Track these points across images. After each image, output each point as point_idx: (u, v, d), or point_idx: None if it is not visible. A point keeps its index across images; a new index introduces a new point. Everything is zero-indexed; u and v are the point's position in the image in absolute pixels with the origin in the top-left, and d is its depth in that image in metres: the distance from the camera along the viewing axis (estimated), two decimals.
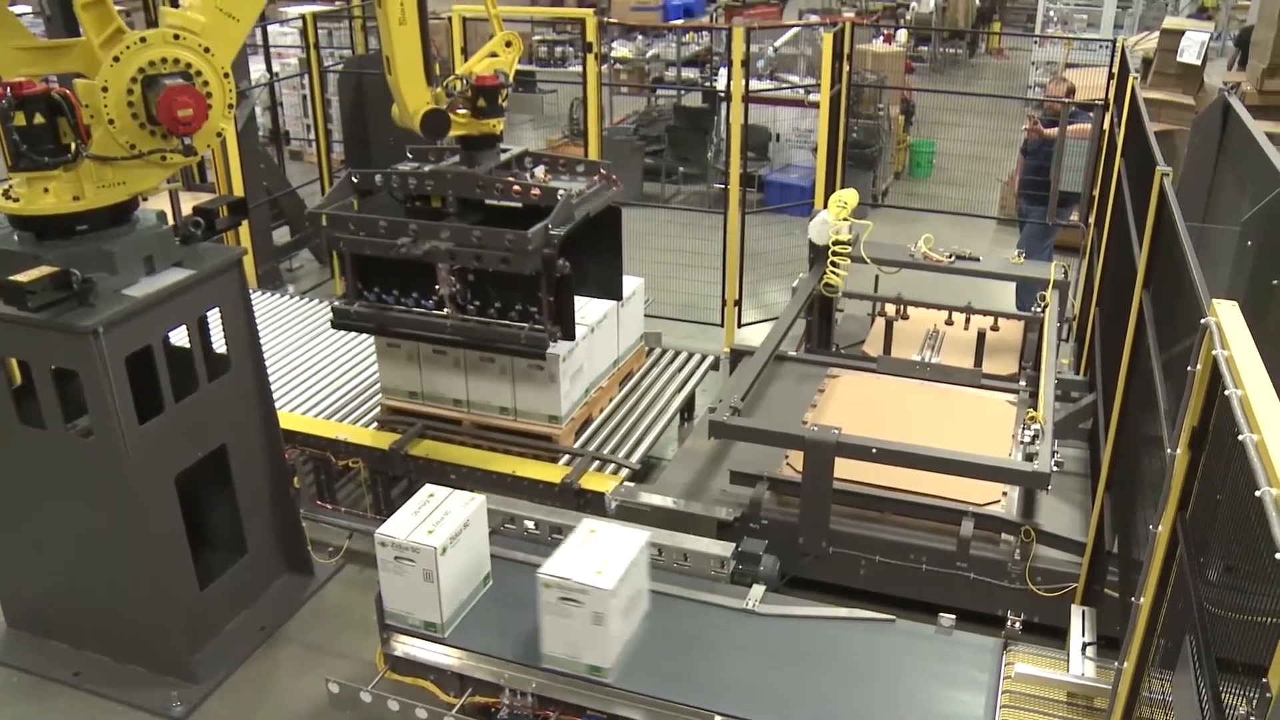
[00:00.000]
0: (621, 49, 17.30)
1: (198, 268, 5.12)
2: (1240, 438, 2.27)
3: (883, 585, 5.54)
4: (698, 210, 11.83)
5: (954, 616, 4.69)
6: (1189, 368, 2.83)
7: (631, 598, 4.51)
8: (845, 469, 5.45)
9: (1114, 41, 8.54)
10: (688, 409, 7.25)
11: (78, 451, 4.93)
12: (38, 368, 4.78)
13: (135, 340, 4.79)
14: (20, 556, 5.45)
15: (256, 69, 10.92)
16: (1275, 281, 4.56)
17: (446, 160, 5.86)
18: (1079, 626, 4.60)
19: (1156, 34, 10.09)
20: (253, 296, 5.70)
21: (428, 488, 4.85)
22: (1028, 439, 5.52)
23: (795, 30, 15.38)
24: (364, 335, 7.52)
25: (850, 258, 7.24)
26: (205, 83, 4.76)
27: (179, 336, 5.18)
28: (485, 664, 4.54)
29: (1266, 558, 2.00)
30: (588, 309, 6.55)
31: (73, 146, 4.65)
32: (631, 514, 5.62)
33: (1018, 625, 4.56)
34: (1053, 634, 5.05)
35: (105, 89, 4.58)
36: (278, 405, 6.04)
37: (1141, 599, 3.16)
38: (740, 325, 9.05)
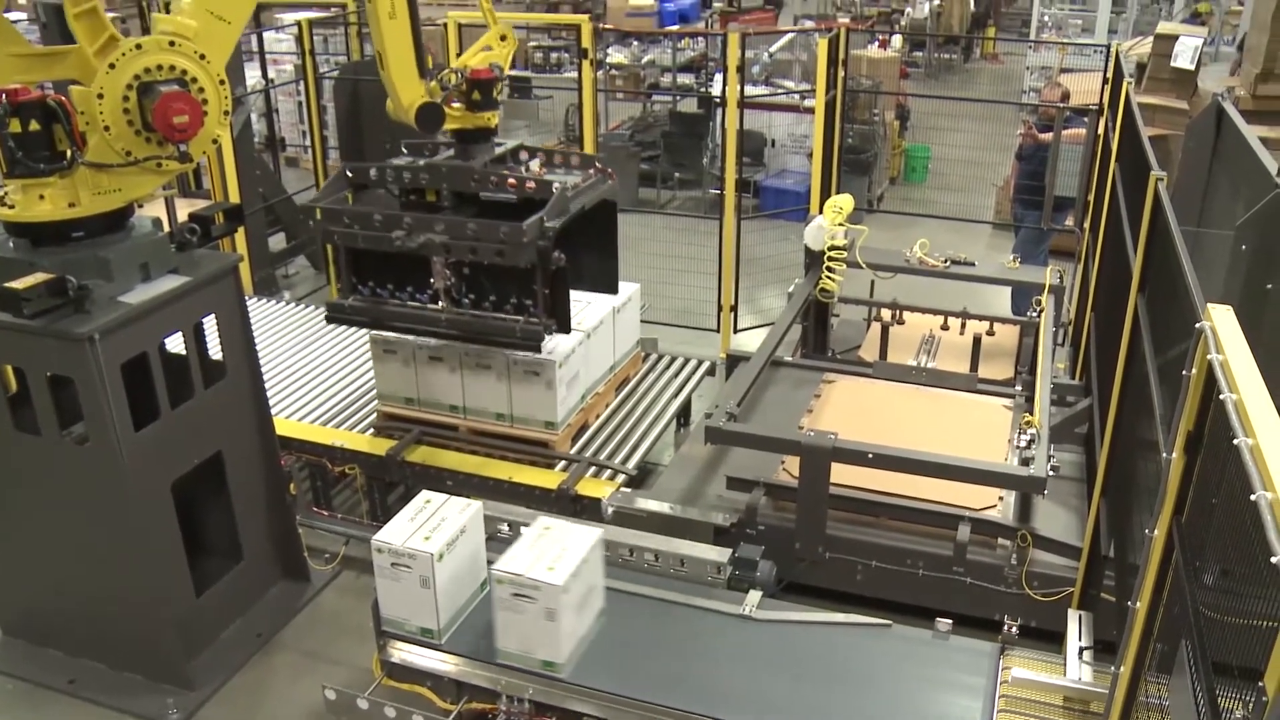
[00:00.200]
0: (617, 55, 17.31)
1: (193, 274, 5.12)
2: (1235, 442, 2.28)
3: (879, 590, 5.54)
4: (693, 216, 11.84)
5: (951, 621, 4.70)
6: (1184, 372, 2.84)
7: (584, 594, 4.54)
8: (841, 474, 5.45)
9: (1108, 46, 8.56)
10: (684, 414, 7.25)
11: (73, 458, 4.92)
12: (33, 374, 4.78)
13: (131, 347, 4.79)
14: (15, 564, 5.44)
15: (252, 75, 10.93)
16: (1270, 286, 4.57)
17: (441, 155, 5.85)
18: (1075, 631, 4.60)
19: (1150, 39, 10.10)
20: (249, 303, 5.70)
21: (424, 494, 4.85)
22: (1024, 444, 5.53)
23: (790, 36, 15.41)
24: (360, 341, 7.54)
25: (846, 263, 7.25)
26: (201, 89, 4.76)
27: (175, 343, 5.17)
28: (482, 670, 4.54)
29: (1262, 562, 2.00)
30: (584, 315, 6.56)
31: (68, 153, 4.65)
32: (628, 520, 5.62)
33: (1014, 630, 4.57)
34: (1049, 638, 5.06)
35: (101, 96, 4.57)
36: (274, 411, 6.03)
37: (1138, 603, 3.16)
38: (736, 331, 9.06)
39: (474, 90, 5.59)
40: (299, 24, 10.09)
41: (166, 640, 5.26)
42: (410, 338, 6.31)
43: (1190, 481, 2.91)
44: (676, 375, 7.35)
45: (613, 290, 6.31)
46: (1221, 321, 2.76)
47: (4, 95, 4.47)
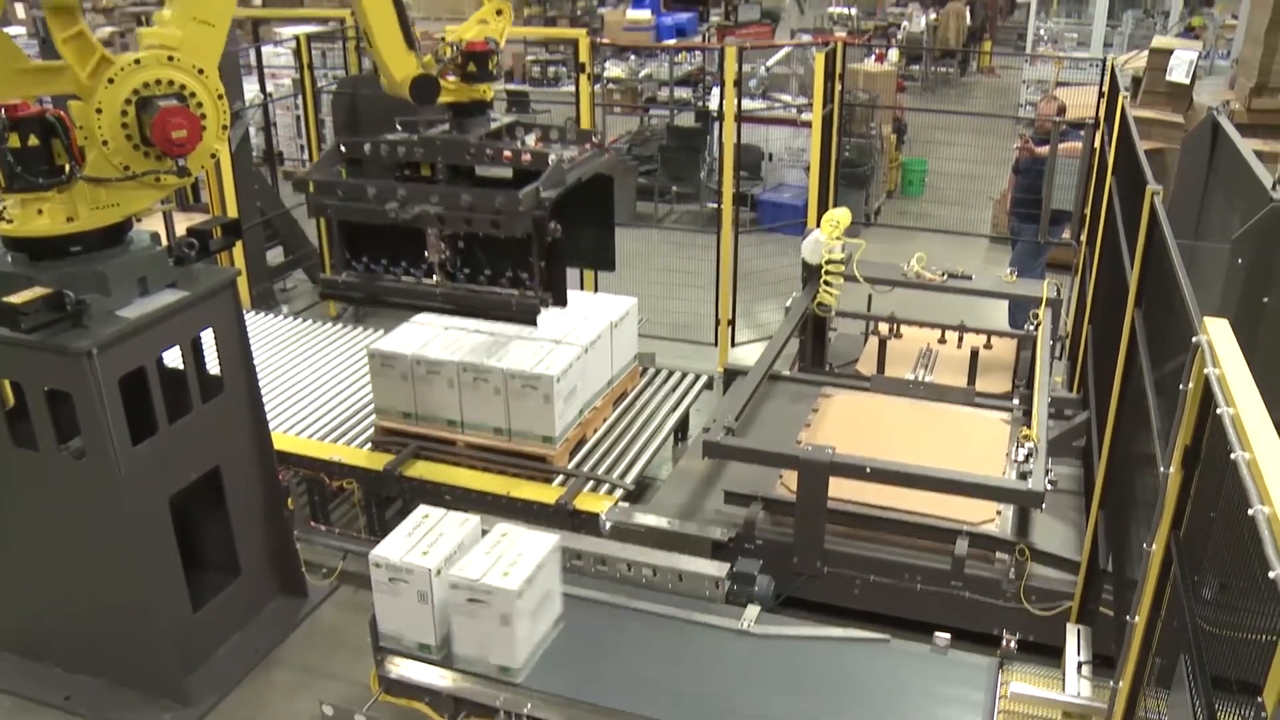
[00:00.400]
0: (614, 69, 17.36)
1: (191, 289, 5.12)
2: (1233, 457, 2.28)
3: (877, 605, 5.53)
4: (691, 230, 11.86)
5: (949, 636, 4.69)
6: (1181, 386, 2.84)
7: (540, 600, 4.55)
8: (839, 488, 5.45)
9: (1104, 60, 8.59)
10: (682, 429, 7.25)
11: (70, 473, 4.92)
12: (31, 389, 4.78)
13: (129, 361, 4.79)
14: (12, 578, 5.43)
15: (250, 89, 10.95)
16: (1266, 299, 4.58)
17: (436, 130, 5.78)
18: (1074, 645, 4.61)
19: (1145, 53, 10.14)
20: (246, 317, 5.69)
21: (422, 509, 4.85)
22: (1021, 457, 5.53)
23: (787, 50, 15.44)
24: (358, 355, 7.53)
25: (843, 277, 7.26)
26: (199, 104, 4.77)
27: (173, 357, 5.17)
28: (480, 685, 4.53)
29: (1260, 576, 2.00)
30: (581, 329, 6.56)
31: (67, 168, 4.65)
32: (626, 534, 5.62)
33: (1013, 644, 4.57)
34: (1048, 653, 5.05)
35: (99, 110, 4.58)
36: (272, 426, 6.03)
37: (1136, 618, 3.16)
38: (734, 345, 9.06)
39: (469, 63, 5.49)
40: (297, 39, 10.11)
41: (163, 655, 5.25)
42: (408, 352, 6.31)
43: (1188, 496, 2.91)
44: (674, 389, 7.34)
45: (610, 267, 6.16)
46: (1218, 335, 2.76)
47: (3, 110, 4.49)
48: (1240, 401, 2.44)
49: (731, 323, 8.99)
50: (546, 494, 6.04)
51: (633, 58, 17.78)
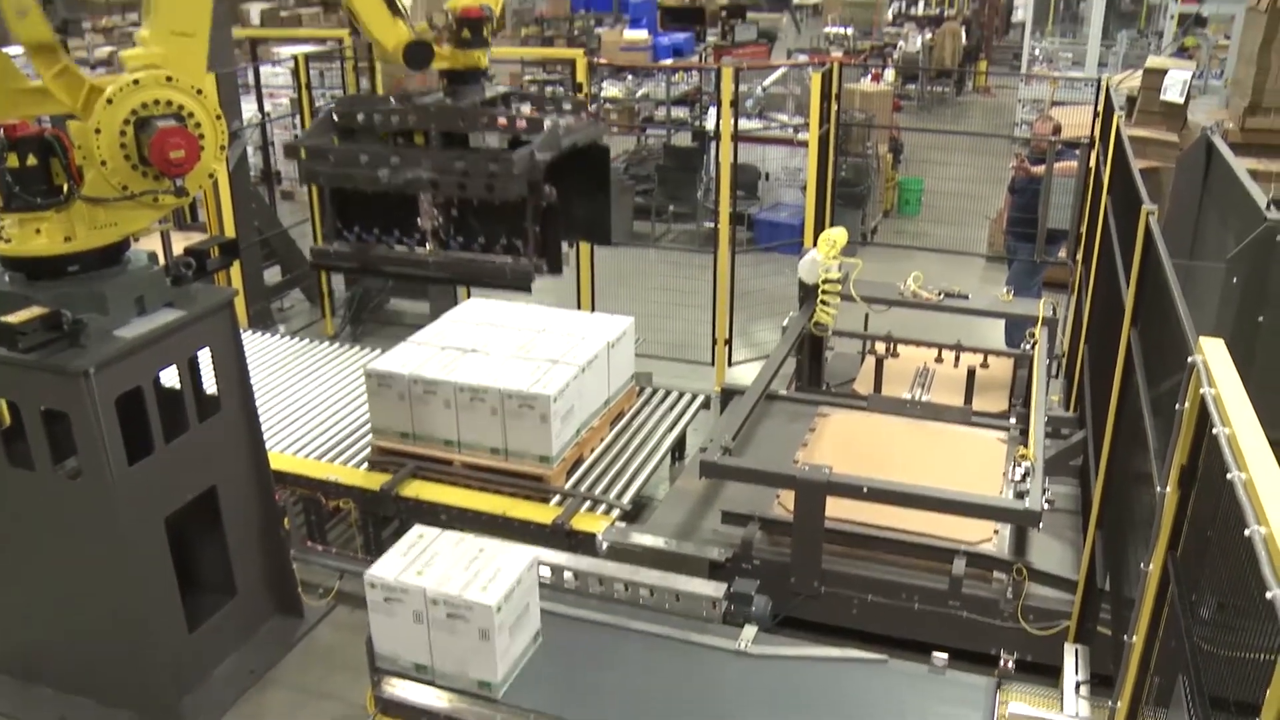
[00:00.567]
0: (611, 89, 17.42)
1: (189, 308, 5.12)
2: (1229, 477, 2.28)
3: (875, 625, 5.52)
4: (688, 249, 11.88)
5: (947, 656, 4.68)
6: (1177, 406, 2.85)
7: (519, 614, 4.55)
8: (837, 508, 5.44)
9: (1099, 80, 8.63)
10: (679, 449, 7.25)
11: (66, 493, 4.91)
12: (27, 409, 4.77)
13: (126, 381, 4.78)
14: (6, 598, 5.40)
15: (249, 109, 10.98)
16: (1261, 318, 4.60)
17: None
18: (1072, 665, 4.59)
19: (1140, 73, 10.18)
20: (243, 336, 5.69)
21: (418, 528, 4.84)
22: (1018, 476, 5.53)
23: (783, 70, 15.52)
24: (356, 375, 7.53)
25: (840, 296, 7.27)
26: (198, 124, 4.78)
27: (169, 376, 5.17)
28: (477, 706, 4.51)
29: (1257, 596, 2.00)
30: (578, 349, 6.56)
31: (65, 188, 4.66)
32: (623, 554, 5.61)
33: (1011, 664, 4.55)
34: (1046, 672, 5.04)
35: (98, 131, 4.59)
36: (268, 445, 6.02)
37: (1134, 638, 3.16)
38: (731, 364, 9.07)
39: (463, 28, 5.39)
40: (295, 58, 10.15)
41: (159, 676, 5.22)
42: (405, 372, 6.31)
43: (1185, 515, 2.91)
44: (671, 409, 7.34)
45: (606, 240, 6.11)
46: (1213, 355, 2.77)
47: (2, 130, 4.49)
48: (1236, 421, 2.44)
49: (729, 342, 8.99)
50: (543, 514, 6.03)
51: (630, 78, 17.84)
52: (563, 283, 9.24)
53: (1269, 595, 1.93)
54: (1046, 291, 9.18)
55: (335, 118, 5.51)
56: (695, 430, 7.45)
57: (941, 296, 7.33)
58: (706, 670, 4.66)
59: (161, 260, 5.27)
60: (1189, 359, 2.81)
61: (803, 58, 19.61)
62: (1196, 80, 11.08)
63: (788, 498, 5.65)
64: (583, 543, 5.82)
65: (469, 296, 8.43)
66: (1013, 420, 6.80)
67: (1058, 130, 9.57)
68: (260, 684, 5.61)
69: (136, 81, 4.63)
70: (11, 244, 4.72)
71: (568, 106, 5.64)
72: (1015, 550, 5.56)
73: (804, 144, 10.13)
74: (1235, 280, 4.77)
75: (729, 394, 7.31)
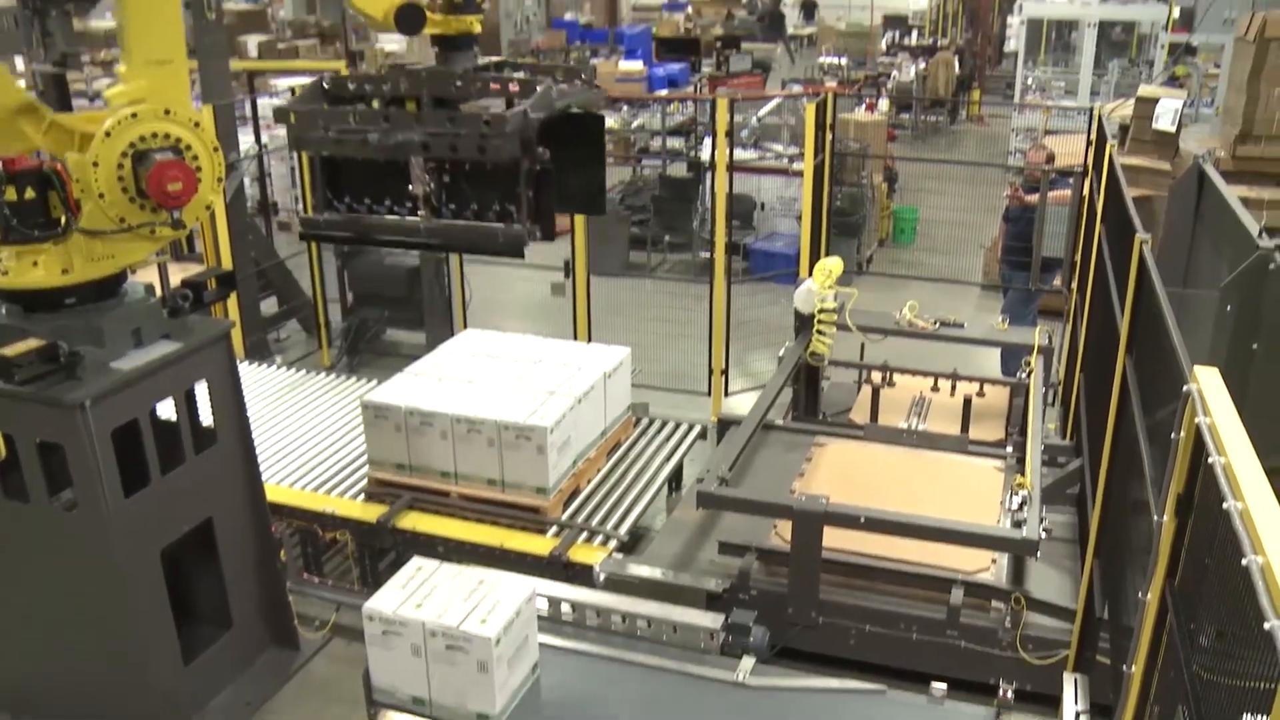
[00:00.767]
0: (607, 119, 17.46)
1: (185, 340, 5.13)
2: (1225, 506, 2.28)
3: (873, 655, 5.49)
4: (684, 279, 11.91)
5: (945, 686, 4.66)
6: (1172, 435, 2.85)
7: (517, 647, 4.53)
8: (834, 538, 5.43)
9: (1091, 109, 8.69)
10: (676, 479, 7.24)
11: (61, 525, 4.90)
12: (23, 441, 4.76)
13: (122, 414, 4.78)
14: (0, 631, 5.38)
15: (245, 140, 11.03)
16: (1255, 345, 4.61)
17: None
18: (1072, 695, 4.57)
19: (1132, 101, 10.25)
20: (240, 367, 5.69)
21: (416, 560, 4.83)
22: (1016, 505, 5.52)
23: (778, 100, 15.60)
24: (352, 406, 7.52)
25: (836, 326, 7.28)
26: (195, 156, 4.80)
27: (166, 408, 5.17)
28: None
29: (1256, 626, 2.00)
30: (574, 380, 6.56)
31: (63, 220, 4.67)
32: (620, 585, 5.59)
33: (1010, 694, 4.53)
34: (1046, 702, 5.02)
35: (96, 164, 4.61)
36: (265, 477, 6.01)
37: (1133, 667, 3.15)
38: (727, 394, 9.07)
39: None
40: (292, 90, 10.18)
41: (154, 709, 5.19)
42: (401, 404, 6.31)
43: (1182, 544, 2.91)
44: (668, 439, 7.34)
45: (601, 211, 5.99)
46: (1208, 384, 2.78)
47: (1, 164, 4.51)
48: (1231, 450, 2.45)
49: (725, 372, 9.00)
50: (540, 545, 6.01)
51: (625, 108, 17.91)
52: (559, 313, 9.27)
53: (1267, 626, 1.93)
54: (1042, 320, 9.22)
55: (325, 86, 5.42)
56: (692, 460, 7.44)
57: (937, 325, 7.35)
58: (705, 702, 4.64)
59: (158, 292, 5.27)
60: (1184, 388, 2.82)
61: (797, 88, 19.74)
62: (1188, 109, 11.16)
63: (785, 528, 5.64)
64: (580, 574, 5.80)
65: (465, 327, 8.44)
66: (1009, 449, 6.80)
67: (1051, 159, 9.62)
68: (256, 716, 5.58)
69: (134, 115, 4.65)
70: (9, 276, 4.73)
71: (562, 77, 5.59)
72: (1013, 579, 5.55)
73: (799, 174, 10.18)
74: (1229, 308, 4.79)
75: (725, 424, 7.31)
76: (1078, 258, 8.19)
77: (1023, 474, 5.83)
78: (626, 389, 7.24)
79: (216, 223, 8.66)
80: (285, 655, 5.97)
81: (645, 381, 8.63)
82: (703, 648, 4.95)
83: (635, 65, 19.56)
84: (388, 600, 4.51)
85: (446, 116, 5.07)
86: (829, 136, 9.04)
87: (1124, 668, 3.26)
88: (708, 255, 9.69)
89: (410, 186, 5.39)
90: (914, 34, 26.75)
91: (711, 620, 5.00)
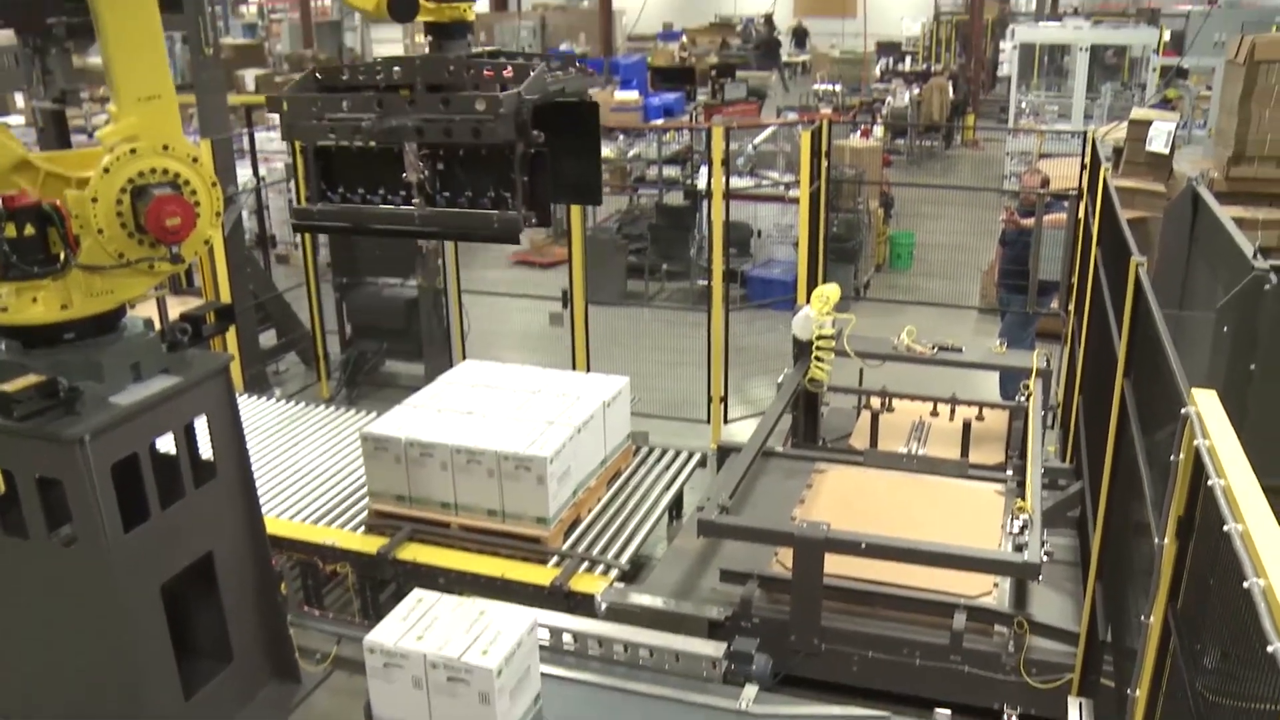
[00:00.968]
0: (603, 149, 17.54)
1: (185, 374, 5.12)
2: (1226, 528, 2.29)
3: (876, 681, 5.46)
4: (682, 307, 11.94)
5: (949, 711, 4.64)
6: (1171, 457, 2.85)
7: (519, 678, 4.50)
8: (835, 564, 5.41)
9: (1085, 132, 8.74)
10: (676, 507, 7.23)
11: (60, 561, 4.88)
12: (21, 476, 4.75)
13: (121, 448, 4.77)
14: None
15: (243, 174, 11.08)
16: (1253, 366, 4.62)
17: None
18: (1076, 719, 4.55)
19: (1125, 124, 10.31)
20: (239, 400, 5.69)
21: (417, 592, 4.81)
22: (1017, 529, 5.51)
23: (773, 128, 15.68)
24: (352, 438, 7.52)
25: (834, 352, 7.29)
26: (193, 191, 4.81)
27: (165, 442, 5.16)
28: None
29: (1259, 649, 2.00)
30: (574, 409, 6.57)
31: (62, 256, 4.68)
32: (622, 615, 5.57)
33: (1015, 719, 4.51)
34: None
35: (95, 200, 4.62)
36: (265, 510, 5.99)
37: (1137, 691, 3.14)
38: (726, 421, 9.08)
39: None
40: None
41: None
42: (401, 435, 6.31)
43: (1184, 567, 2.91)
44: (668, 468, 7.33)
45: (597, 201, 5.97)
46: (1206, 406, 2.78)
47: (0, 200, 4.53)
48: (1231, 472, 2.45)
49: (724, 399, 9.01)
50: (541, 575, 6.00)
51: (621, 137, 18.00)
52: (558, 343, 9.28)
53: (1270, 649, 1.93)
54: (1040, 343, 9.23)
55: (318, 75, 5.44)
56: (692, 488, 7.43)
57: (935, 350, 7.36)
58: None
59: (157, 326, 5.28)
60: (1182, 410, 2.83)
61: (792, 115, 19.85)
62: (1180, 131, 11.22)
63: (786, 555, 5.63)
64: (581, 603, 5.78)
65: (464, 358, 8.45)
66: (1010, 472, 6.80)
67: (1046, 183, 9.68)
68: None
69: (133, 151, 4.67)
70: (9, 313, 4.73)
71: (557, 64, 5.57)
72: (1015, 603, 5.53)
73: (795, 201, 10.23)
74: (1225, 329, 4.80)
75: (725, 451, 7.31)
76: (1074, 280, 8.21)
77: (1023, 497, 5.83)
78: (626, 418, 7.24)
79: (215, 256, 8.69)
80: (286, 689, 5.93)
81: (644, 410, 8.63)
82: (705, 676, 4.93)
83: (631, 95, 19.65)
84: (389, 632, 4.49)
85: (440, 100, 5.01)
86: (825, 163, 9.10)
87: (1128, 691, 3.25)
88: (705, 283, 9.71)
89: (404, 175, 5.32)
90: (908, 60, 26.96)
91: (714, 649, 4.98)
